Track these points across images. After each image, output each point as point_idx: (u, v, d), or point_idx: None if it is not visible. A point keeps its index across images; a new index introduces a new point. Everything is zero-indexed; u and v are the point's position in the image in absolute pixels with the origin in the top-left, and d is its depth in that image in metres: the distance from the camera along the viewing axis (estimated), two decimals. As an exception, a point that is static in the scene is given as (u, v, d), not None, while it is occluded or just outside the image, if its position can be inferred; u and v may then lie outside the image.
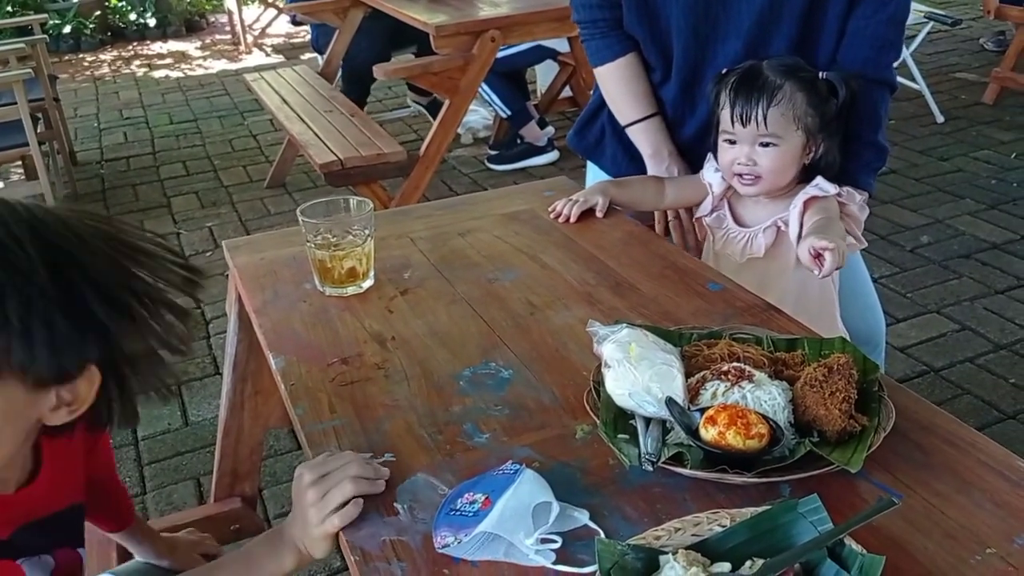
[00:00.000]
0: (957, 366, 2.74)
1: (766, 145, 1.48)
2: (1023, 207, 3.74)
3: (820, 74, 1.48)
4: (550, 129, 4.64)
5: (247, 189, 4.62)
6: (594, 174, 1.95)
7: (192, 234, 4.12)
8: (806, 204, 1.47)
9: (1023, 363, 2.74)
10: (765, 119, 1.45)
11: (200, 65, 7.55)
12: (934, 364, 2.76)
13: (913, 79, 4.84)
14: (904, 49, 4.78)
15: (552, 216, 1.63)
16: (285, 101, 3.96)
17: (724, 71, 1.53)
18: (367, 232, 1.40)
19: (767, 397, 0.96)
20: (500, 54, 4.12)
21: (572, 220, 1.61)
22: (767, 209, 1.54)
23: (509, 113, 4.43)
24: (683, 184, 1.69)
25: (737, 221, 1.59)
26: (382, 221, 1.66)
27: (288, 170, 4.61)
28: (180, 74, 7.25)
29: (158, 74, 7.29)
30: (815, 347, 1.10)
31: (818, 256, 1.33)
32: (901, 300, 3.11)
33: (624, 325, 1.06)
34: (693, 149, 1.73)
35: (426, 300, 1.38)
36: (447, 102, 3.24)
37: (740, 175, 1.51)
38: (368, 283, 1.42)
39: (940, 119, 4.76)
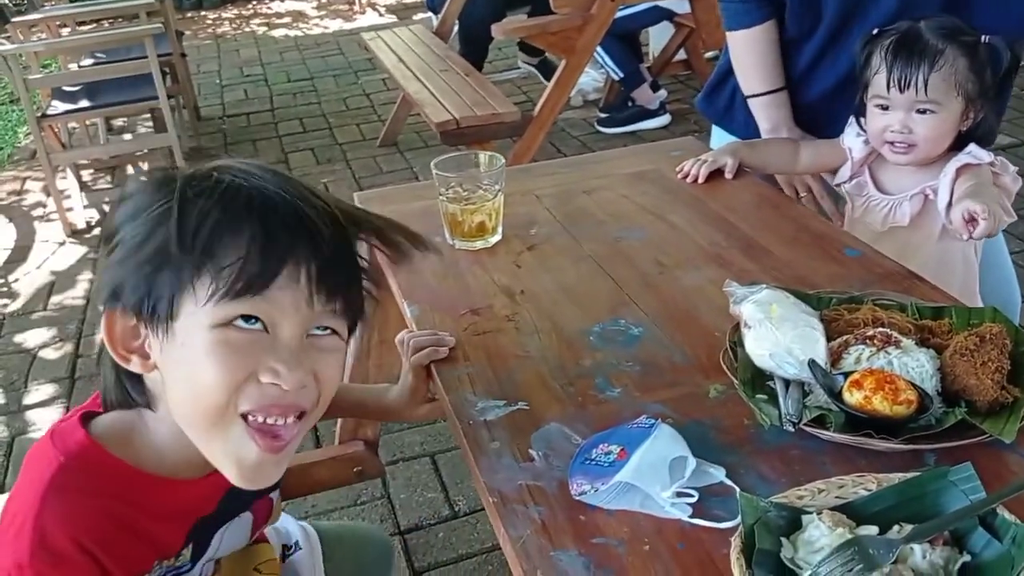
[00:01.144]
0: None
1: (924, 112, 1.42)
2: None
3: (983, 38, 1.41)
4: (663, 92, 4.56)
5: (360, 147, 4.71)
6: (721, 139, 1.92)
7: (308, 189, 4.23)
8: (958, 172, 1.41)
9: None
10: (926, 85, 1.39)
11: (317, 24, 7.71)
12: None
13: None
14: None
15: (680, 176, 1.61)
16: (401, 60, 4.01)
17: (876, 31, 1.47)
18: (497, 187, 1.42)
19: (915, 364, 0.93)
20: (617, 14, 4.08)
21: (700, 180, 1.59)
22: (913, 177, 1.49)
23: (622, 75, 4.38)
24: (820, 148, 1.64)
25: (879, 188, 1.53)
26: (507, 178, 1.67)
27: (400, 129, 4.68)
28: (298, 33, 7.43)
29: (277, 33, 7.48)
30: (963, 316, 1.06)
31: (971, 220, 1.28)
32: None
33: (764, 286, 1.05)
34: (821, 109, 1.68)
35: (553, 256, 1.39)
36: (563, 62, 3.22)
37: (892, 143, 1.46)
38: (496, 238, 1.44)
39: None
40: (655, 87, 4.52)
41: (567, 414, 1.02)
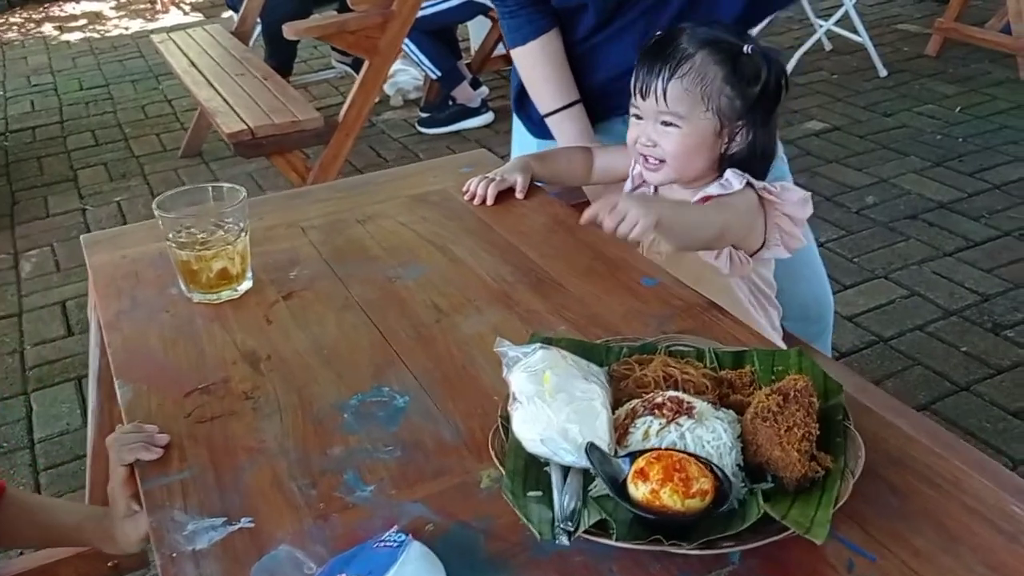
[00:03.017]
0: (907, 335, 2.62)
1: (668, 125, 1.26)
2: (969, 164, 3.63)
3: (745, 47, 1.23)
4: (484, 89, 4.39)
5: (160, 159, 4.31)
6: (519, 133, 1.75)
7: (99, 210, 3.81)
8: (702, 203, 1.25)
9: (974, 330, 2.62)
10: (665, 94, 1.23)
11: (115, 26, 7.11)
12: (883, 333, 2.63)
13: (855, 31, 4.69)
14: (847, 0, 4.63)
15: (466, 197, 1.43)
16: (193, 64, 3.66)
17: (652, 37, 1.33)
18: (241, 226, 1.18)
19: (711, 436, 0.78)
20: (427, 10, 3.86)
21: (489, 202, 1.40)
22: (687, 194, 1.34)
23: (439, 74, 4.18)
24: (612, 155, 1.47)
25: None
26: (270, 207, 1.44)
27: (204, 137, 4.30)
28: (94, 35, 6.82)
29: (70, 36, 6.85)
30: (766, 361, 0.92)
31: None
32: (848, 265, 2.98)
33: (538, 345, 0.87)
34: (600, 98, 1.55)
35: (313, 305, 1.17)
36: (366, 63, 2.99)
37: (644, 157, 1.30)
38: (246, 285, 1.21)
39: (883, 73, 4.63)
40: (476, 84, 4.35)
41: (303, 530, 0.81)
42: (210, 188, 1.21)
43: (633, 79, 1.26)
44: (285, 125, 2.93)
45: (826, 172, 3.60)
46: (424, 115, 4.38)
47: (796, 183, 1.43)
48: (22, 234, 3.62)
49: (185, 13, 7.25)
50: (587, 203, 1.59)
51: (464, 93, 4.26)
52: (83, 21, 7.28)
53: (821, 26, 4.75)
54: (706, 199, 1.24)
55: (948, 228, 3.16)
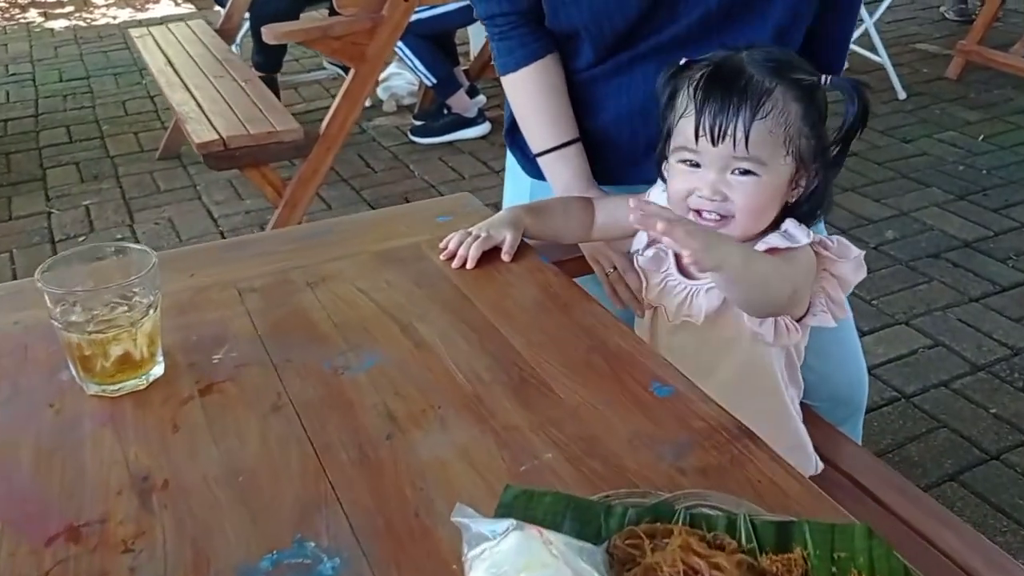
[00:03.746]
0: (931, 391, 2.39)
1: (745, 174, 1.04)
2: (994, 199, 3.40)
3: (823, 78, 1.03)
4: (481, 98, 4.16)
5: (136, 160, 4.07)
6: (512, 170, 1.51)
7: (65, 214, 3.57)
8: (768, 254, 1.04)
9: (1004, 388, 2.39)
10: (746, 136, 1.01)
11: (103, 14, 6.87)
12: (905, 389, 2.40)
13: (875, 50, 4.46)
14: (867, 17, 4.39)
15: (442, 256, 1.18)
16: (170, 63, 3.41)
17: (684, 61, 1.09)
18: (151, 299, 0.94)
19: None
20: (424, 14, 3.63)
21: (470, 265, 1.16)
22: None
23: (434, 81, 3.94)
24: (618, 205, 1.23)
25: (680, 266, 1.15)
26: (203, 260, 1.19)
27: (184, 139, 4.04)
28: (80, 24, 6.57)
29: (55, 24, 6.60)
30: (823, 540, 0.68)
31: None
32: (867, 308, 2.75)
33: (511, 525, 0.62)
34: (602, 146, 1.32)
35: (235, 405, 0.92)
36: (352, 71, 2.74)
37: (699, 212, 1.07)
38: (155, 372, 0.96)
39: (902, 95, 4.40)
40: (473, 93, 4.11)
41: None
42: (112, 248, 0.96)
43: (695, 120, 1.03)
44: (261, 136, 2.69)
45: (842, 202, 3.37)
46: (417, 123, 4.15)
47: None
48: (-20, 237, 3.38)
49: (177, 4, 7.00)
50: (580, 258, 1.35)
51: (460, 102, 4.03)
52: (70, 8, 7.03)
53: (840, 44, 4.51)
54: (772, 251, 1.02)
55: (973, 270, 2.93)
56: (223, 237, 3.30)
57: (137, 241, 3.33)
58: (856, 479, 1.34)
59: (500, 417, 0.89)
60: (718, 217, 1.05)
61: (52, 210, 3.61)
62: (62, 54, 5.78)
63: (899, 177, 3.63)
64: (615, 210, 1.23)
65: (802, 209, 1.08)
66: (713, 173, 1.04)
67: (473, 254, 1.15)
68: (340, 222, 1.34)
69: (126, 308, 0.92)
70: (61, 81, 5.22)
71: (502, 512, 0.69)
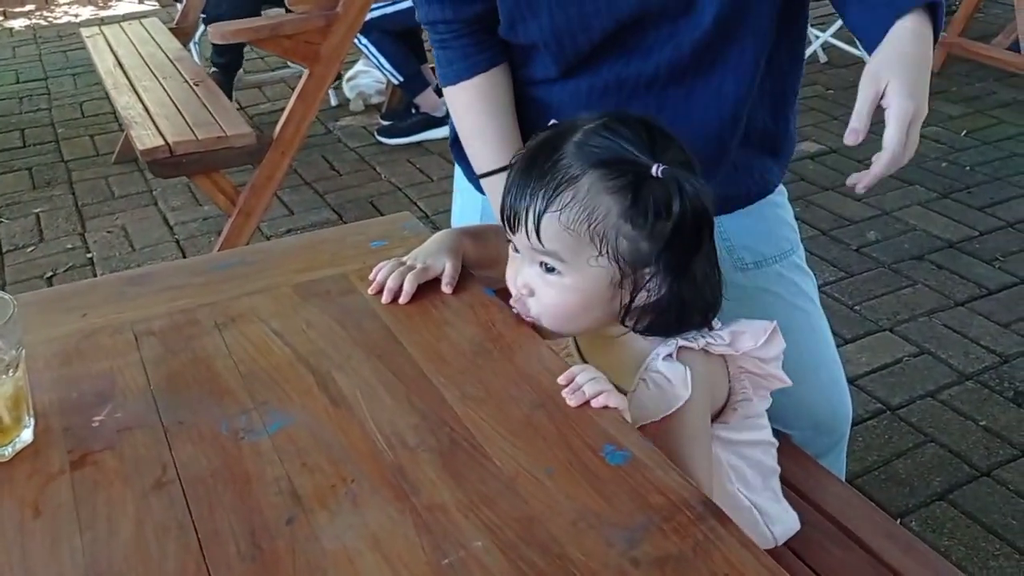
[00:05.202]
0: (917, 402, 2.27)
1: (551, 271, 0.89)
2: (978, 197, 3.28)
3: (655, 168, 0.84)
4: (451, 97, 4.00)
5: (91, 164, 3.90)
6: (462, 186, 1.38)
7: (14, 223, 3.40)
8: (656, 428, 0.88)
9: (993, 399, 2.27)
10: (537, 229, 0.86)
11: (65, 12, 6.67)
12: (890, 401, 2.28)
13: (854, 44, 4.34)
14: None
15: (371, 290, 1.04)
16: (120, 63, 3.24)
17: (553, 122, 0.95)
18: (13, 355, 0.79)
19: None
20: (388, 9, 3.49)
21: (403, 300, 1.01)
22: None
23: (401, 79, 3.79)
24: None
25: None
26: (100, 297, 1.04)
27: (141, 143, 3.89)
28: (41, 23, 6.37)
29: (15, 23, 6.40)
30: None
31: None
32: (849, 314, 2.62)
33: None
34: None
35: (111, 481, 0.77)
36: (305, 73, 2.59)
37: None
38: (23, 439, 0.81)
39: (883, 89, 4.28)
40: (441, 91, 3.96)
41: None
42: (-35, 298, 0.81)
43: (501, 199, 0.90)
44: (210, 141, 2.53)
45: (822, 201, 3.24)
46: (385, 123, 4.00)
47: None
48: (-76, 251, 3.22)
49: (140, 1, 6.80)
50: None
51: (428, 101, 3.88)
52: (31, 7, 6.82)
53: (818, 37, 4.40)
54: (652, 427, 0.87)
55: (959, 272, 2.81)
56: (179, 246, 3.15)
57: (88, 251, 3.18)
58: (842, 524, 1.22)
59: (424, 494, 0.75)
60: (528, 311, 0.93)
61: (1, 219, 3.44)
62: (20, 54, 5.59)
63: (880, 175, 3.52)
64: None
65: (649, 321, 0.90)
66: (525, 264, 0.91)
67: (407, 288, 1.01)
68: (259, 249, 1.20)
69: (-20, 368, 0.77)
70: (18, 82, 5.04)
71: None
